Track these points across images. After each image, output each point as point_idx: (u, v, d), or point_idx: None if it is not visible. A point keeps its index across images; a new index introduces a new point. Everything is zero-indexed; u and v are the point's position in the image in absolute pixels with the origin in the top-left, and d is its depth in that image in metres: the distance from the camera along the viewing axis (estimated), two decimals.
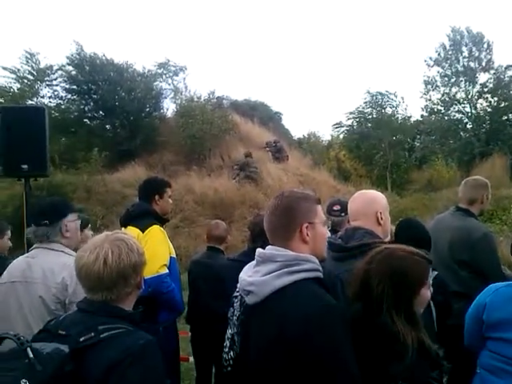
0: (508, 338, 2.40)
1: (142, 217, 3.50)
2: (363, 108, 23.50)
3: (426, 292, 1.92)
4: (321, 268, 1.80)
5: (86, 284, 1.76)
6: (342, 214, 3.66)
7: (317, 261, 1.79)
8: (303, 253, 1.77)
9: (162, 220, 3.63)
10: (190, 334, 4.62)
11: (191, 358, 4.80)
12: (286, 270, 1.70)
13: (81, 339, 1.58)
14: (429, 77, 25.07)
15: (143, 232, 3.33)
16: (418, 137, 24.85)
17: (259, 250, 1.84)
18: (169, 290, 3.29)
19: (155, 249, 3.28)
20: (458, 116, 24.60)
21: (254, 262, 1.87)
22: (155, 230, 3.42)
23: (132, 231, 3.31)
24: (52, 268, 2.55)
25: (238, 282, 1.91)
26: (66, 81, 18.49)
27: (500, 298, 2.48)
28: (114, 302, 1.75)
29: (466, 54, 24.18)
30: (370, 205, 2.59)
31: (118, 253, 1.73)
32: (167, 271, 3.33)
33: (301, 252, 1.77)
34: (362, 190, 2.79)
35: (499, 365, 2.42)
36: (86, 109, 19.16)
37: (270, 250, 1.81)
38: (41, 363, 1.46)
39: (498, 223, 11.90)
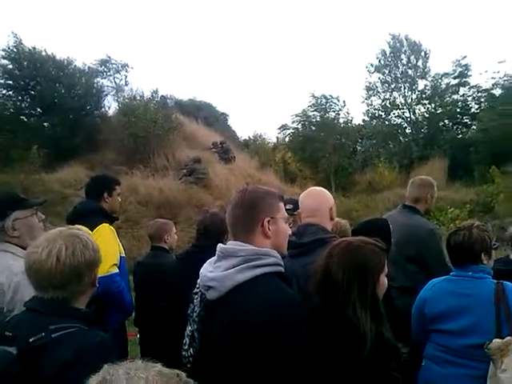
0: (446, 329, 2.56)
1: (90, 214, 3.39)
2: (308, 111, 23.85)
3: (384, 278, 1.98)
4: (282, 263, 1.80)
5: (36, 281, 1.68)
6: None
7: (278, 255, 1.80)
8: (265, 247, 1.77)
9: (111, 218, 3.54)
10: (138, 335, 4.50)
11: None
12: (247, 264, 1.70)
13: (30, 340, 1.50)
14: (370, 82, 25.93)
15: (92, 230, 3.18)
16: (360, 141, 25.52)
17: (220, 245, 1.83)
18: (119, 290, 3.19)
19: (105, 247, 3.14)
20: (398, 121, 25.54)
21: (214, 258, 1.85)
22: (105, 228, 3.32)
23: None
24: None
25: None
26: (1, 75, 17.50)
27: (438, 292, 2.66)
28: (67, 301, 1.68)
29: (404, 61, 25.13)
30: (324, 201, 2.66)
31: (72, 249, 1.66)
32: (117, 271, 3.24)
33: (263, 247, 1.77)
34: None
35: (440, 354, 2.58)
36: (23, 105, 18.21)
37: (231, 244, 1.80)
38: None
39: (435, 223, 12.36)
